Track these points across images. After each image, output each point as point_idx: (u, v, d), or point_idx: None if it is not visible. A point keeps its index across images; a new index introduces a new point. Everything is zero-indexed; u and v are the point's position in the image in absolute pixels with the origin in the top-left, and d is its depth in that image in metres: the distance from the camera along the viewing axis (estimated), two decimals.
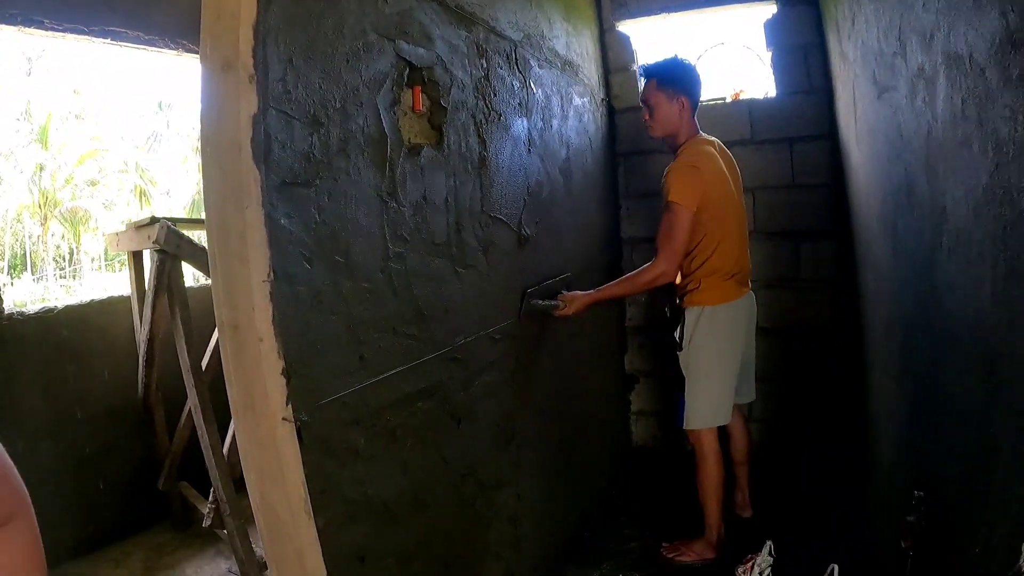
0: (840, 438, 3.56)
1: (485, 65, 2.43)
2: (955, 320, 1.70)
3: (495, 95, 2.50)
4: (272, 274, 1.46)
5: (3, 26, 3.14)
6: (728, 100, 4.12)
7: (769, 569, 2.57)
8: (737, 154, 3.80)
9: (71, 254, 19.66)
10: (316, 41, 1.60)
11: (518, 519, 2.64)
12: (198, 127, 1.57)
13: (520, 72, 2.75)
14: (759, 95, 4.02)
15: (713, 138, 3.00)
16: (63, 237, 19.52)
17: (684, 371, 2.93)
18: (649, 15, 4.17)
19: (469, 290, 2.29)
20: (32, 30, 3.24)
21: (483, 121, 2.40)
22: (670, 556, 2.96)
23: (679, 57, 2.97)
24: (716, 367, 2.87)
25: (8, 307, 3.28)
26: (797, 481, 3.58)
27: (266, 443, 1.54)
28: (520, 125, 2.74)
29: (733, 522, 3.14)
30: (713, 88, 4.19)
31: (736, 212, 2.93)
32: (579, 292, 2.87)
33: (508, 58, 2.65)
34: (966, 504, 1.62)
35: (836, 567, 2.25)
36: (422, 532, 2.01)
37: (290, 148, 1.51)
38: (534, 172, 2.86)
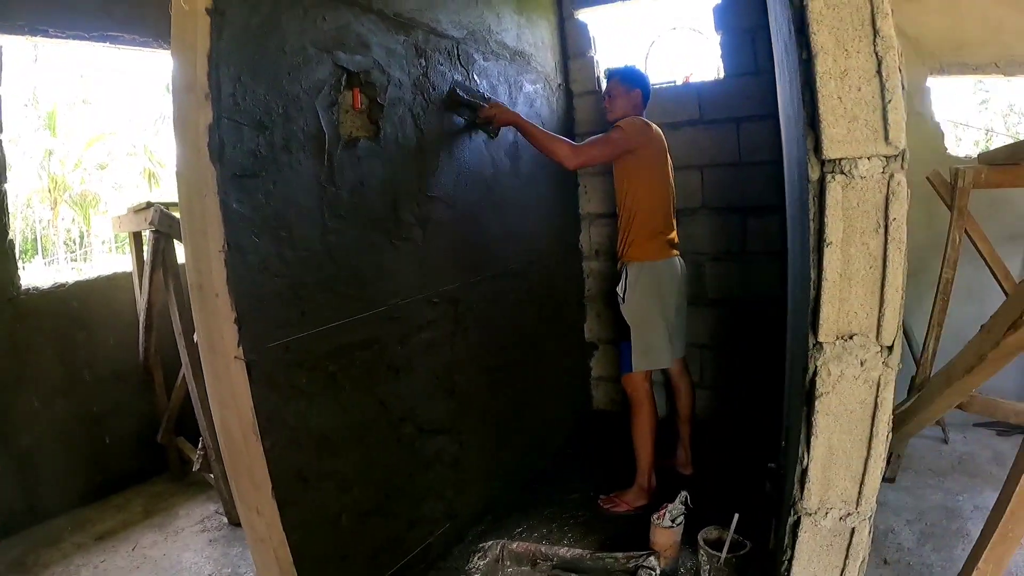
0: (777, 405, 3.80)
1: (424, 64, 2.79)
2: (794, 276, 2.01)
3: (434, 89, 2.86)
4: (226, 246, 1.89)
5: (12, 36, 3.54)
6: (678, 83, 4.29)
7: (682, 517, 2.76)
8: (687, 134, 4.10)
9: (81, 237, 20.01)
10: (261, 60, 2.01)
11: (460, 464, 3.02)
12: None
13: (463, 66, 3.10)
14: (708, 77, 4.18)
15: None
16: (73, 221, 19.88)
17: (628, 320, 3.23)
18: (606, 3, 4.37)
19: (405, 259, 2.69)
20: (38, 38, 3.63)
21: (421, 113, 2.76)
22: (606, 507, 3.28)
23: (635, 66, 3.44)
24: (654, 314, 3.20)
25: (25, 283, 3.72)
26: (740, 444, 3.81)
27: (222, 377, 1.98)
28: (462, 114, 3.08)
29: (674, 477, 3.43)
30: (664, 72, 4.41)
31: (666, 182, 3.29)
32: (505, 105, 3.24)
33: (450, 55, 3.00)
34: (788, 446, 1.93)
35: (737, 515, 2.48)
36: (361, 463, 2.43)
37: (240, 148, 1.93)
38: (477, 156, 3.22)
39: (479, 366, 3.19)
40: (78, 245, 19.98)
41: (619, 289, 3.25)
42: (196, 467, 3.47)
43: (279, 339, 2.07)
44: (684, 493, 2.84)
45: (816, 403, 1.51)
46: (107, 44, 3.93)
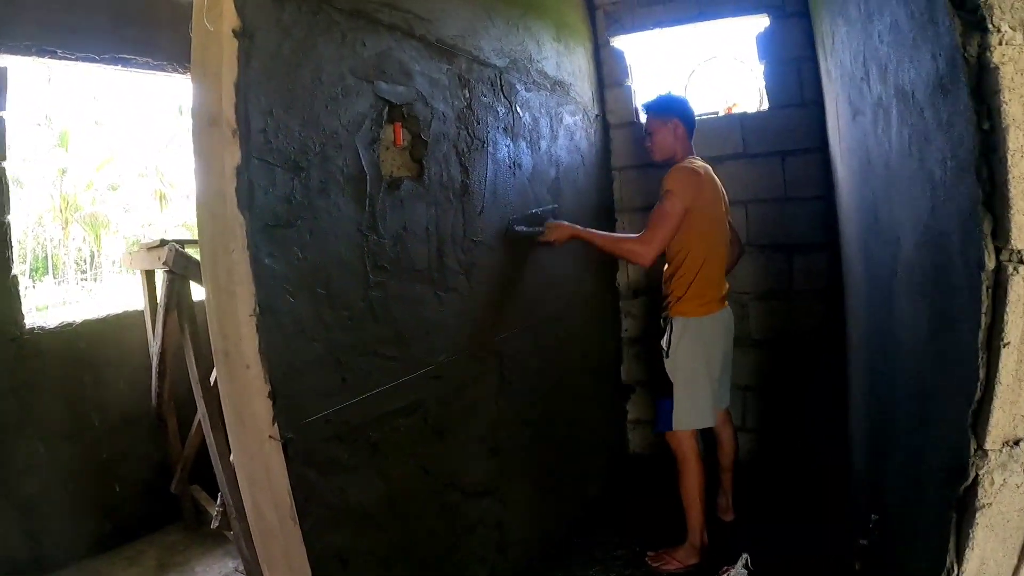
0: (826, 451, 3.62)
1: (468, 95, 2.57)
2: (902, 351, 1.78)
3: (478, 123, 2.64)
4: (257, 308, 1.63)
5: (19, 56, 3.34)
6: (721, 114, 4.16)
7: None
8: (729, 167, 3.92)
9: (92, 257, 20.03)
10: (295, 91, 1.76)
11: (503, 524, 2.77)
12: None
13: (506, 97, 2.89)
14: (751, 108, 4.04)
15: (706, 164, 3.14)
16: (84, 240, 19.89)
17: (671, 377, 3.03)
18: (643, 30, 4.22)
19: (451, 311, 2.44)
20: (46, 59, 3.44)
21: (465, 150, 2.54)
22: (655, 565, 3.07)
23: (671, 92, 3.21)
24: (700, 373, 3.00)
25: (30, 321, 3.50)
26: (783, 490, 3.65)
27: (255, 456, 1.72)
28: (505, 150, 2.87)
29: (716, 525, 3.24)
30: (706, 102, 4.25)
31: (722, 231, 3.08)
32: (565, 223, 3.00)
33: (493, 85, 2.79)
34: (903, 534, 1.71)
35: (747, 556, 2.40)
36: (403, 537, 2.17)
37: (272, 193, 1.67)
38: (520, 195, 2.99)
39: (521, 420, 2.96)
40: (88, 265, 19.97)
41: (663, 343, 3.06)
42: (215, 524, 3.21)
43: (318, 412, 1.81)
44: (745, 556, 2.76)
45: (977, 515, 1.29)
46: (118, 67, 3.75)
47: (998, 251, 1.16)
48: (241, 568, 3.25)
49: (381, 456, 2.06)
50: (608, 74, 4.32)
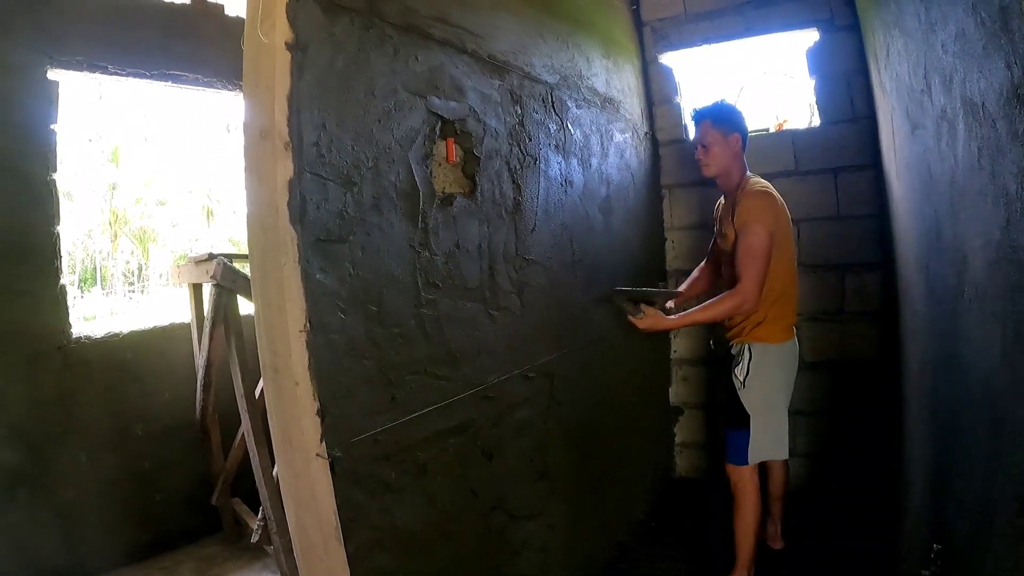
0: (880, 477, 3.50)
1: (519, 111, 2.54)
2: (970, 375, 1.69)
3: (530, 140, 2.61)
4: (308, 324, 1.60)
5: (71, 71, 3.43)
6: (771, 131, 4.10)
7: None
8: (781, 185, 3.78)
9: (139, 270, 20.51)
10: (348, 105, 1.75)
11: (549, 548, 2.70)
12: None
13: (557, 114, 2.85)
14: (802, 125, 4.00)
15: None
16: (132, 253, 20.39)
17: (747, 408, 2.87)
18: (691, 46, 4.19)
19: (502, 330, 2.40)
20: (97, 75, 3.52)
21: (517, 167, 2.50)
22: None
23: (725, 101, 3.05)
24: (779, 402, 2.89)
25: (77, 330, 3.56)
26: (835, 517, 3.53)
27: (301, 475, 1.68)
28: (557, 167, 2.84)
29: (765, 553, 3.15)
30: (756, 119, 4.19)
31: (793, 249, 2.97)
32: (661, 314, 2.87)
33: (544, 101, 2.76)
34: (970, 565, 1.63)
35: None
36: (449, 559, 2.12)
37: (325, 208, 1.65)
38: (571, 213, 2.95)
39: (569, 441, 2.89)
40: (136, 277, 20.45)
41: (738, 372, 2.89)
42: (255, 538, 3.21)
43: (367, 430, 1.77)
44: None
45: None
46: (168, 83, 3.83)
47: None
48: None
49: (429, 477, 2.01)
50: (657, 91, 4.29)
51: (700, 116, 2.96)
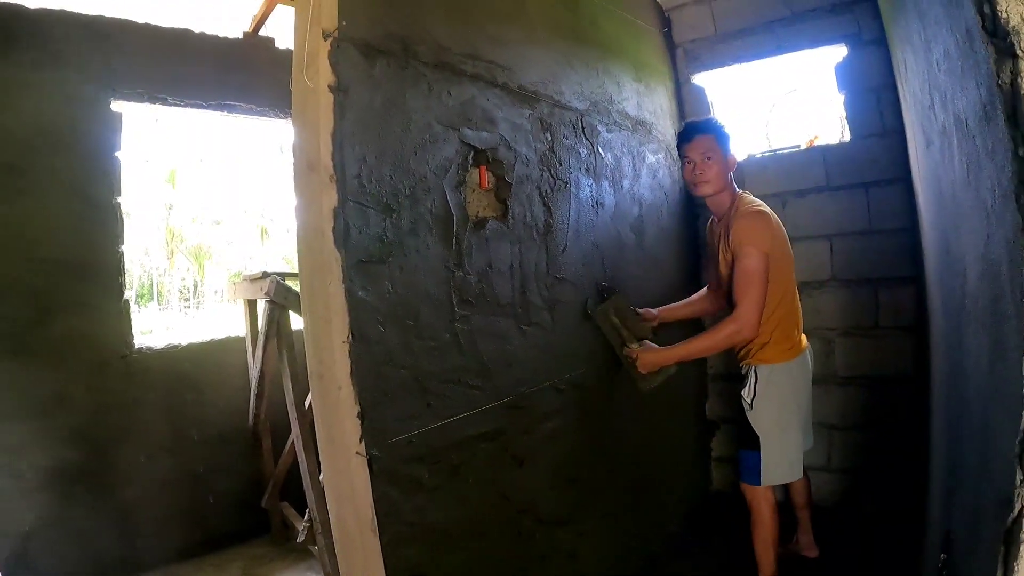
0: (911, 491, 3.51)
1: (550, 138, 2.70)
2: (969, 385, 1.75)
3: (560, 165, 2.76)
4: (350, 336, 1.81)
5: (132, 103, 3.74)
6: (802, 147, 4.13)
7: None
8: (813, 201, 3.91)
9: (195, 286, 21.15)
10: (387, 139, 1.95)
11: (578, 555, 2.82)
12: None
13: (587, 139, 3.00)
14: (833, 140, 3.99)
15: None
16: (188, 270, 21.04)
17: (757, 430, 2.82)
18: (722, 66, 4.25)
19: (533, 344, 2.55)
20: (157, 106, 3.82)
21: (548, 191, 2.66)
22: None
23: (716, 118, 3.00)
24: (791, 423, 2.83)
25: (139, 342, 3.85)
26: (868, 530, 3.54)
27: (342, 471, 1.87)
28: (588, 190, 2.97)
29: (798, 563, 3.20)
30: (787, 136, 4.26)
31: (792, 266, 2.91)
32: (654, 347, 2.82)
33: (574, 127, 2.91)
34: (964, 573, 1.69)
35: None
36: (478, 558, 2.27)
37: (366, 232, 1.85)
38: (603, 233, 3.07)
39: (600, 452, 3.00)
40: (191, 293, 21.07)
41: (745, 394, 2.84)
42: (301, 538, 3.42)
43: (402, 433, 1.96)
44: None
45: (1022, 548, 1.27)
46: (224, 112, 4.14)
47: None
48: None
49: (461, 479, 2.18)
50: (690, 111, 4.33)
51: (701, 130, 2.82)
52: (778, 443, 2.82)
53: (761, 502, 2.86)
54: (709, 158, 2.76)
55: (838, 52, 3.88)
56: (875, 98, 3.74)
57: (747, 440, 2.87)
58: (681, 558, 3.51)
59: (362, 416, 1.82)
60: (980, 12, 1.19)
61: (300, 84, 1.83)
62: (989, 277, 1.46)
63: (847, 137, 3.91)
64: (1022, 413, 1.23)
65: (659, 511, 3.63)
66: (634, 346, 2.84)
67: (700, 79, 4.35)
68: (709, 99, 4.35)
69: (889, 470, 3.77)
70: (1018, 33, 1.13)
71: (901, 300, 3.75)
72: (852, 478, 3.97)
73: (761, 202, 2.84)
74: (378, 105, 1.93)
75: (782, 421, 2.82)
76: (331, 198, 1.77)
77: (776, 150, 4.14)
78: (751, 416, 2.84)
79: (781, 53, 4.08)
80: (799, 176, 3.96)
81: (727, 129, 2.84)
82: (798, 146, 4.15)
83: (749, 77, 4.37)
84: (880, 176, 3.75)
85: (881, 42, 3.62)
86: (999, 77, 1.17)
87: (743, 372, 2.90)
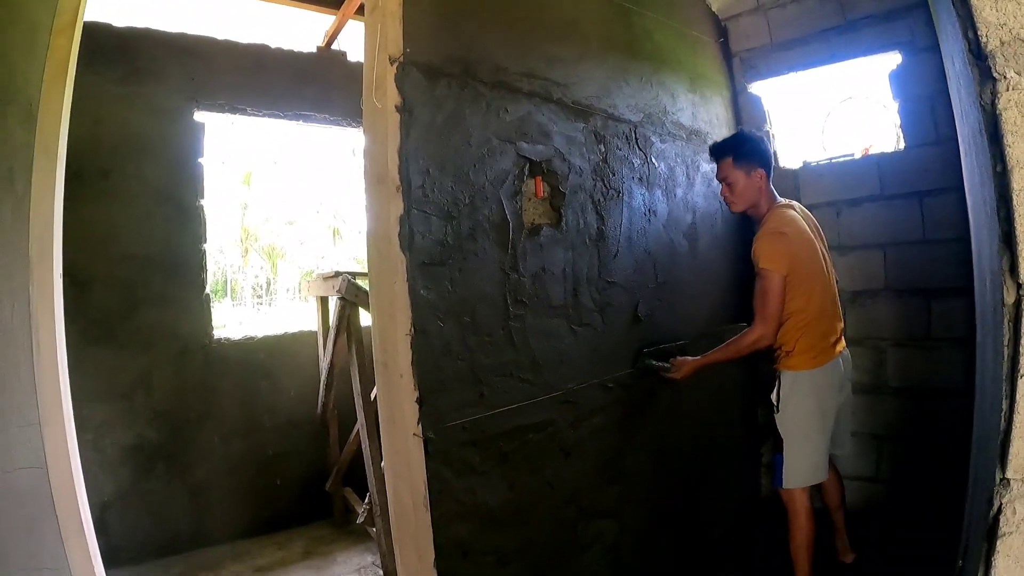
0: (956, 504, 3.46)
1: (603, 149, 2.86)
2: (983, 395, 1.81)
3: (613, 175, 2.91)
4: (412, 329, 2.03)
5: (213, 113, 4.09)
6: (856, 156, 4.10)
7: None
8: (867, 210, 3.91)
9: (268, 284, 21.84)
10: (448, 154, 2.16)
11: (619, 548, 2.95)
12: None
13: (640, 150, 3.13)
14: (888, 148, 3.94)
15: (793, 201, 3.11)
16: (261, 268, 21.74)
17: (781, 432, 2.97)
18: (778, 75, 4.27)
19: (584, 344, 2.72)
20: (237, 116, 4.15)
21: (601, 199, 2.82)
22: None
23: (745, 131, 3.11)
24: (812, 428, 2.92)
25: (218, 333, 4.18)
26: (909, 540, 3.53)
27: (400, 451, 2.10)
28: (640, 198, 3.11)
29: (836, 567, 3.24)
30: (842, 144, 4.24)
31: (822, 273, 2.97)
32: (688, 358, 3.00)
33: (628, 139, 3.05)
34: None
35: None
36: (522, 540, 2.45)
37: (429, 237, 2.07)
38: (655, 240, 3.20)
39: (647, 450, 3.12)
40: (264, 290, 21.77)
41: (773, 397, 2.99)
42: (360, 519, 3.65)
43: (457, 419, 2.16)
44: None
45: (998, 543, 1.36)
46: (299, 122, 4.45)
47: (1019, 288, 1.25)
48: (378, 562, 3.65)
49: (510, 465, 2.37)
50: (746, 120, 4.37)
51: (719, 153, 2.98)
52: (800, 446, 2.93)
53: (797, 505, 2.94)
54: (730, 181, 2.96)
55: (892, 60, 3.84)
56: (929, 106, 3.70)
57: (778, 444, 3.01)
58: (725, 562, 3.58)
59: (420, 401, 2.04)
60: (965, 36, 1.29)
61: (370, 104, 2.05)
62: (987, 288, 1.54)
63: (901, 146, 3.86)
64: (1001, 413, 1.33)
65: (705, 513, 3.69)
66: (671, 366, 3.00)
67: (756, 88, 4.37)
68: (765, 108, 4.37)
69: (937, 481, 3.70)
70: (994, 56, 1.23)
71: (953, 311, 3.70)
72: (901, 488, 3.94)
73: (789, 217, 2.92)
74: (440, 122, 2.14)
75: (804, 426, 2.92)
76: (397, 207, 1.99)
77: (831, 158, 4.15)
78: (778, 419, 2.98)
79: (835, 61, 4.06)
80: (853, 185, 3.96)
81: (750, 145, 2.96)
82: (852, 155, 4.11)
83: (805, 85, 4.39)
84: (934, 185, 3.70)
85: (935, 49, 3.49)
86: (981, 98, 1.27)
87: (774, 378, 3.02)
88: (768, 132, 4.34)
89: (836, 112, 4.31)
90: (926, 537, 3.45)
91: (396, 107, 2.00)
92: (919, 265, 3.82)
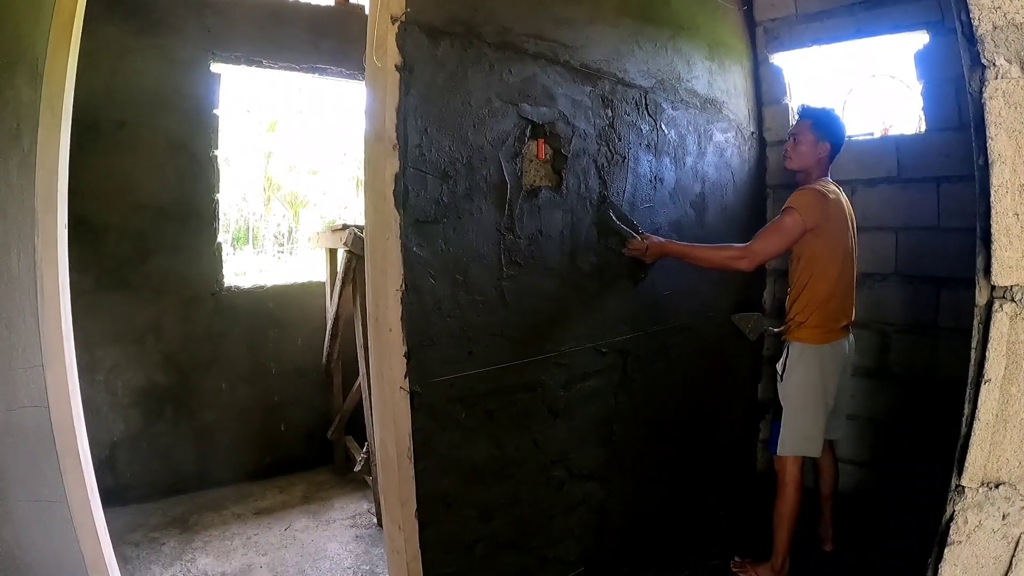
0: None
1: (610, 114, 2.84)
2: None
3: (619, 140, 2.90)
4: (404, 286, 2.07)
5: (229, 65, 4.10)
6: (876, 135, 4.01)
7: None
8: (883, 192, 3.84)
9: (289, 232, 21.97)
10: (447, 113, 2.17)
11: (605, 511, 3.01)
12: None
13: (650, 116, 3.10)
14: (908, 130, 3.86)
15: (840, 186, 3.08)
16: (283, 217, 21.86)
17: (782, 401, 3.02)
18: (801, 47, 4.17)
19: (578, 308, 2.75)
20: (253, 68, 4.17)
21: (605, 164, 2.81)
22: (736, 571, 3.13)
23: (834, 112, 3.07)
24: (811, 401, 2.94)
25: (228, 281, 4.26)
26: (896, 527, 3.52)
27: (387, 403, 2.15)
28: (647, 165, 3.09)
29: (818, 554, 3.26)
30: (862, 122, 4.16)
31: (849, 256, 2.99)
32: (660, 239, 2.95)
33: (637, 105, 3.02)
34: None
35: None
36: (506, 497, 2.52)
37: (424, 196, 2.10)
38: (660, 208, 3.19)
39: (640, 417, 3.15)
40: (286, 239, 21.91)
41: (778, 366, 3.04)
42: (358, 468, 3.75)
43: (444, 375, 2.21)
44: None
45: (946, 551, 1.33)
46: (315, 75, 4.46)
47: (992, 289, 1.21)
48: (373, 510, 3.76)
49: (496, 423, 2.43)
50: (766, 91, 4.30)
51: (804, 114, 3.03)
52: (797, 416, 2.97)
53: (787, 476, 2.98)
54: (798, 139, 2.96)
55: (919, 39, 3.72)
56: (953, 90, 3.59)
57: (777, 412, 3.07)
58: (712, 531, 3.59)
59: (408, 356, 2.08)
60: (959, 17, 1.24)
61: (371, 63, 2.07)
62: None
63: (922, 128, 3.77)
64: (963, 420, 1.30)
65: (697, 484, 3.73)
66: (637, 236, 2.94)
67: (778, 59, 4.27)
68: (786, 80, 4.28)
69: (929, 472, 3.65)
70: (983, 41, 1.18)
71: (962, 302, 3.58)
72: (893, 475, 3.91)
73: (835, 189, 2.95)
74: (440, 82, 2.14)
75: (804, 396, 2.95)
76: (393, 165, 2.01)
77: (850, 136, 4.07)
78: (780, 387, 3.03)
79: (861, 37, 3.95)
80: (871, 165, 3.89)
81: (832, 121, 2.98)
82: (872, 134, 4.03)
83: (828, 59, 4.30)
84: (953, 172, 3.62)
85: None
86: (970, 84, 1.23)
87: (780, 346, 3.08)
88: (787, 105, 4.28)
89: (858, 89, 4.22)
90: (911, 527, 3.44)
91: (396, 66, 2.01)
92: (931, 252, 3.75)
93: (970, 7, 1.22)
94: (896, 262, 3.86)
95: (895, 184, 3.87)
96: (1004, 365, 1.22)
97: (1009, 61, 1.17)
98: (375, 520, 3.65)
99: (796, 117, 3.12)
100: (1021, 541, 1.30)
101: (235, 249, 20.00)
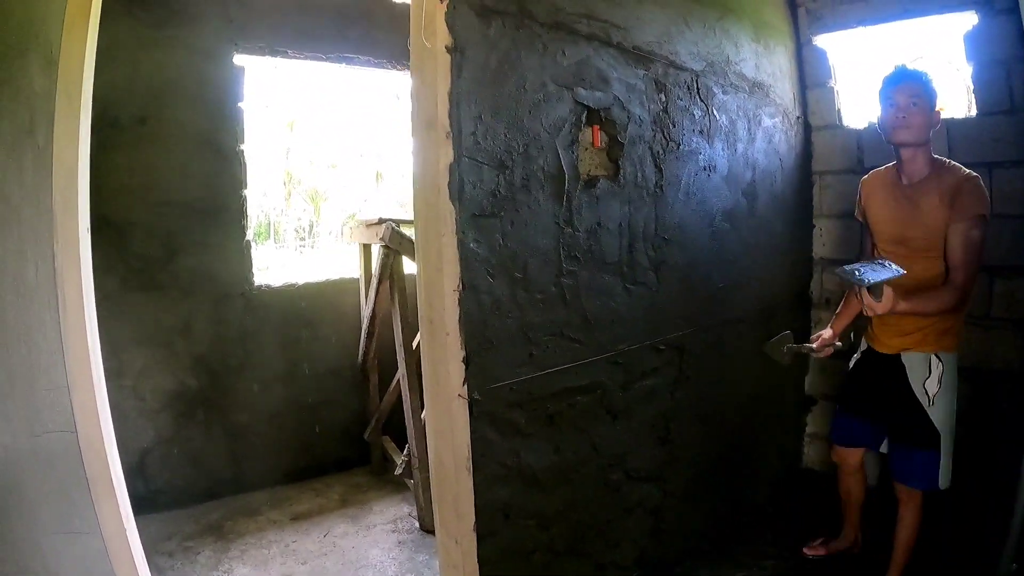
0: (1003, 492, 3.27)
1: (664, 99, 2.70)
2: None
3: (674, 126, 2.76)
4: (461, 285, 1.94)
5: (253, 56, 3.96)
6: None
7: None
8: None
9: (311, 227, 21.97)
10: (501, 98, 2.03)
11: (661, 512, 2.90)
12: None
13: (702, 100, 2.96)
14: (958, 114, 3.66)
15: None
16: (304, 211, 21.86)
17: (939, 428, 2.56)
18: (845, 28, 4.00)
19: (637, 303, 2.62)
20: (277, 59, 4.03)
21: (660, 152, 2.68)
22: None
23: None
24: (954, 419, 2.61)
25: (258, 280, 4.14)
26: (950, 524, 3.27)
27: (444, 411, 2.02)
28: (700, 152, 2.95)
29: (847, 559, 3.16)
30: None
31: None
32: (891, 295, 2.31)
33: (689, 89, 2.88)
34: None
35: None
36: (564, 504, 2.40)
37: (480, 188, 1.96)
38: (714, 196, 3.05)
39: (694, 415, 3.04)
40: (307, 233, 21.93)
41: (928, 387, 2.56)
42: (399, 471, 3.64)
43: (504, 380, 2.08)
44: None
45: None
46: (342, 64, 4.31)
47: None
48: (414, 514, 3.64)
49: (555, 428, 2.30)
50: (810, 74, 4.15)
51: (912, 75, 2.55)
52: (951, 441, 2.59)
53: (920, 500, 2.68)
54: (916, 104, 2.50)
55: (968, 20, 3.56)
56: (1005, 72, 3.43)
57: (922, 440, 2.60)
58: (764, 530, 3.50)
59: (467, 361, 1.96)
60: None
61: (418, 44, 1.92)
62: None
63: (972, 112, 3.60)
64: None
65: (748, 480, 3.63)
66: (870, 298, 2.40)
67: (822, 41, 4.11)
68: (831, 62, 4.12)
69: (981, 467, 3.44)
70: None
71: (1017, 291, 3.48)
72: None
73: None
74: (493, 65, 2.01)
75: (954, 415, 2.60)
76: (447, 154, 1.88)
77: None
78: (933, 411, 2.57)
79: (907, 18, 3.79)
80: None
81: (936, 86, 2.57)
82: None
83: (873, 41, 4.15)
84: (1005, 156, 3.44)
85: (1014, 11, 3.26)
86: None
87: (906, 361, 2.65)
88: (832, 88, 4.13)
89: None
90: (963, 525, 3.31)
91: (447, 47, 1.87)
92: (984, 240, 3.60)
93: None
94: None
95: None
96: None
97: None
98: (417, 525, 3.54)
99: (893, 80, 2.62)
100: None
101: (257, 244, 20.02)
